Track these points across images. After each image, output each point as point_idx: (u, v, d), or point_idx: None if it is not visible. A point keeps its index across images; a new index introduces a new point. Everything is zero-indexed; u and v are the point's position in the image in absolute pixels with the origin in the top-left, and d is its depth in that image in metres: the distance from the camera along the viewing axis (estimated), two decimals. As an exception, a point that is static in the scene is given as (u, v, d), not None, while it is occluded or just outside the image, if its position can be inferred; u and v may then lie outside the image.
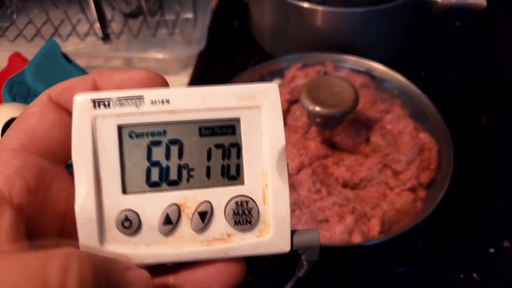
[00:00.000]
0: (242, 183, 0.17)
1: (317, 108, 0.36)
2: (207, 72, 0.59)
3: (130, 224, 0.17)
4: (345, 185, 0.39)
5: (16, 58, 0.49)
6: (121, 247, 0.17)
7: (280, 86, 0.45)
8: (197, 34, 0.60)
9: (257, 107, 0.17)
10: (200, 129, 0.17)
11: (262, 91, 0.17)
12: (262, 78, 0.46)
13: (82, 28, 0.56)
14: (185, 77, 0.56)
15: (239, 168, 0.17)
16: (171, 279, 0.17)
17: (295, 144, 0.39)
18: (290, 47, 0.51)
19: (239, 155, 0.17)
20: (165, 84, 0.18)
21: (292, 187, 0.37)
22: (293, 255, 0.18)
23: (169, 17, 0.59)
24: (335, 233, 0.35)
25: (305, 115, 0.40)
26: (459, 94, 0.57)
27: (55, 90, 0.17)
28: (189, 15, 0.60)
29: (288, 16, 0.49)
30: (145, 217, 0.17)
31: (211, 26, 0.63)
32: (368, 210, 0.37)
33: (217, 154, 0.17)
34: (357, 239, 0.35)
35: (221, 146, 0.17)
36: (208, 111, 0.17)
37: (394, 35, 0.54)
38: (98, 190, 0.17)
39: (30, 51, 0.49)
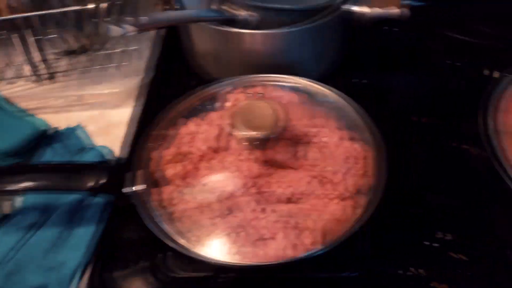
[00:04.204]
0: None
1: (247, 132, 0.37)
2: (155, 101, 0.60)
3: None
4: (286, 201, 0.40)
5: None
6: None
7: (219, 110, 0.46)
8: (143, 64, 0.61)
9: None
10: None
11: None
12: (202, 104, 0.47)
13: (23, 69, 0.57)
14: (130, 108, 0.57)
15: None
16: None
17: (232, 166, 0.40)
18: (229, 72, 0.53)
19: None
20: None
21: (232, 209, 0.39)
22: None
23: (114, 50, 0.60)
24: (280, 249, 0.37)
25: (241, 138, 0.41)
26: (401, 97, 0.60)
27: None
28: (135, 46, 0.61)
29: (220, 42, 0.51)
30: None
31: (159, 55, 0.65)
32: (310, 223, 0.38)
33: None
34: (300, 252, 0.37)
35: None
36: None
37: (331, 48, 0.57)
38: None
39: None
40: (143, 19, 0.42)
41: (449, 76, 0.61)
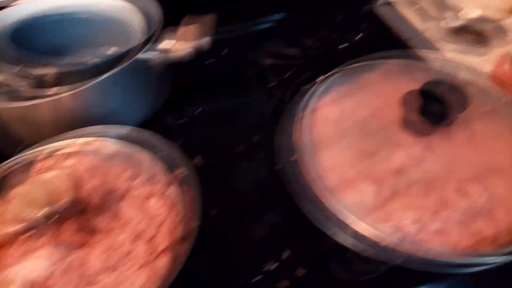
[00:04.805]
0: None
1: (35, 213, 0.35)
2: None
3: None
4: (104, 269, 0.38)
5: None
6: None
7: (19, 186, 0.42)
8: None
9: None
10: None
11: None
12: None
13: None
14: None
15: None
16: None
17: (33, 252, 0.37)
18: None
19: None
20: None
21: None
22: None
23: None
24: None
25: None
26: (227, 127, 0.62)
27: None
28: None
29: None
30: None
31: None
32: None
33: None
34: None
35: None
36: None
37: (147, 90, 0.56)
38: None
39: None
40: None
41: (268, 98, 0.65)
